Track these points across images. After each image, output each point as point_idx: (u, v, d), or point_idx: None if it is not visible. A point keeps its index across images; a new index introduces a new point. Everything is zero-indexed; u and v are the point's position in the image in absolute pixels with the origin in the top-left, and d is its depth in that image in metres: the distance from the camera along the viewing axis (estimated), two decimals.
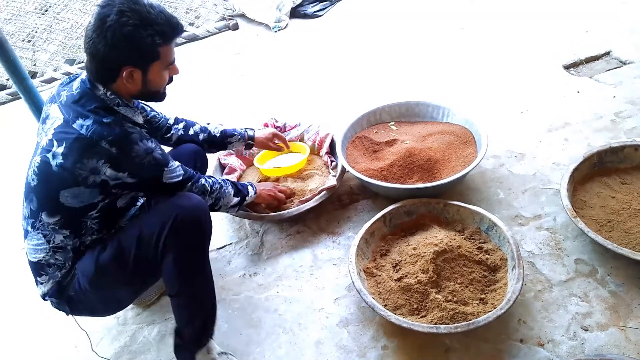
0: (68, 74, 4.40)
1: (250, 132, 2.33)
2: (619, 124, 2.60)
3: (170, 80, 1.66)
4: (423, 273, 1.82)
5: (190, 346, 1.71)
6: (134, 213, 1.79)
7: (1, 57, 2.34)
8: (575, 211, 1.94)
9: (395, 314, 1.73)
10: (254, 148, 2.53)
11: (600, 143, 2.39)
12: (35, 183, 1.54)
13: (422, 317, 1.73)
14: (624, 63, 3.10)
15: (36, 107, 2.51)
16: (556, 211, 2.16)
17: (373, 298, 1.76)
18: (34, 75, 4.35)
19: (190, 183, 1.70)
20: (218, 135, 2.20)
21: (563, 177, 2.09)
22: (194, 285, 1.65)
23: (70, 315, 1.73)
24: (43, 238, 1.57)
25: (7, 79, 4.26)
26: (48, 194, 1.52)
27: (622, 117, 2.64)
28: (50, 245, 1.58)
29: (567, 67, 3.18)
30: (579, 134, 2.58)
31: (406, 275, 1.85)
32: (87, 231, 1.60)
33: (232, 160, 2.60)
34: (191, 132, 2.13)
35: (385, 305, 1.77)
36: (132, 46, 1.44)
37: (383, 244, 2.06)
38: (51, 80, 4.37)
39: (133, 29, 1.41)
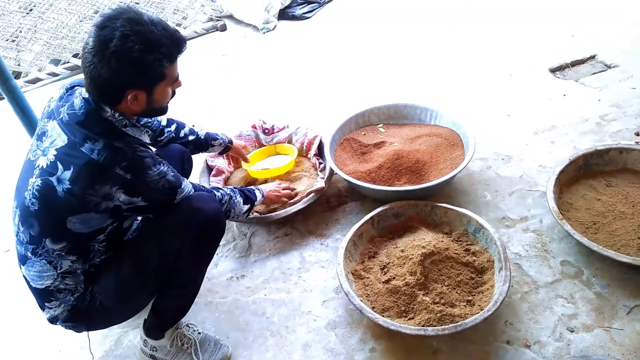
0: (53, 74, 4.35)
1: (229, 138, 2.36)
2: (604, 127, 2.62)
3: (174, 94, 1.59)
4: (411, 275, 1.82)
5: (165, 324, 1.76)
6: (137, 227, 1.77)
7: None
8: (561, 213, 1.96)
9: (383, 316, 1.72)
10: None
11: (586, 146, 2.42)
12: (36, 208, 1.43)
13: (409, 319, 1.73)
14: (609, 67, 3.14)
15: (20, 108, 2.47)
16: (542, 213, 2.17)
17: (361, 300, 1.76)
18: (18, 75, 4.29)
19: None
20: (203, 137, 2.21)
21: (549, 180, 2.11)
22: (196, 279, 1.71)
23: (82, 332, 1.72)
24: (48, 264, 1.48)
25: None
26: (53, 220, 1.43)
27: (607, 120, 2.67)
28: (58, 272, 1.50)
29: (553, 71, 3.21)
30: (565, 137, 2.60)
31: (394, 278, 1.85)
32: (95, 254, 1.55)
33: (220, 162, 2.59)
34: (181, 134, 2.13)
35: (373, 308, 1.77)
36: (139, 72, 1.38)
37: (371, 246, 2.06)
38: (36, 80, 4.31)
39: (139, 55, 1.33)
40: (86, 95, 1.44)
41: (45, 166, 1.41)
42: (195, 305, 2.01)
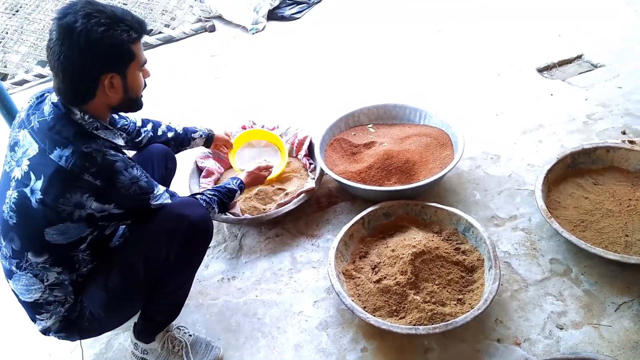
0: (40, 75, 4.31)
1: (209, 129, 2.28)
2: (591, 125, 2.65)
3: (145, 85, 1.54)
4: (402, 274, 1.82)
5: (156, 331, 1.76)
6: (122, 232, 1.74)
7: None
8: (549, 212, 1.97)
9: (374, 315, 1.73)
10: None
11: (573, 145, 2.44)
12: (14, 221, 1.40)
13: (401, 318, 1.74)
14: (595, 66, 3.17)
15: (7, 110, 2.44)
16: (531, 212, 2.19)
17: (352, 300, 1.76)
18: (4, 77, 4.24)
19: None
20: (182, 132, 2.14)
21: (537, 178, 2.13)
22: (184, 284, 1.70)
23: (76, 341, 1.71)
24: (34, 278, 1.45)
25: None
26: (31, 233, 1.40)
27: (594, 119, 2.70)
28: (45, 284, 1.47)
29: (540, 70, 3.24)
30: (553, 136, 2.63)
31: (385, 277, 1.86)
32: (81, 264, 1.52)
33: (210, 164, 2.58)
34: (159, 132, 2.06)
35: (364, 307, 1.77)
36: (108, 47, 1.33)
37: (362, 246, 2.07)
38: (22, 82, 4.27)
39: (106, 29, 1.30)
40: (55, 100, 1.40)
41: (20, 177, 1.37)
42: (186, 307, 2.00)
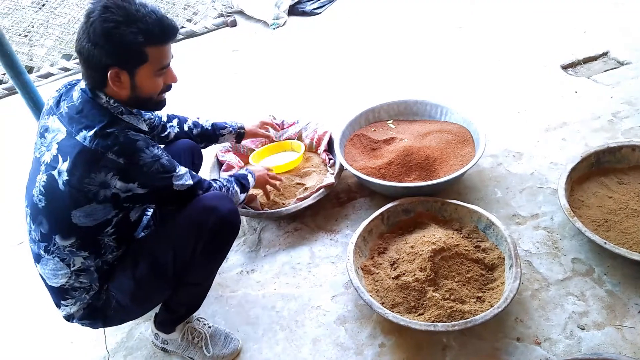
0: (65, 69, 4.38)
1: (240, 124, 2.28)
2: (617, 124, 2.60)
3: (168, 87, 1.55)
4: (421, 271, 1.82)
5: (177, 322, 1.78)
6: (147, 224, 1.77)
7: None
8: (572, 210, 1.94)
9: (392, 311, 1.73)
10: (248, 145, 2.55)
11: (598, 143, 2.40)
12: (43, 204, 1.43)
13: (419, 315, 1.74)
14: (622, 64, 3.11)
15: (33, 102, 2.50)
16: (553, 210, 2.16)
17: (370, 296, 1.76)
18: (30, 70, 4.32)
19: (200, 190, 1.62)
20: (210, 128, 2.16)
21: (560, 177, 2.10)
22: (209, 276, 1.71)
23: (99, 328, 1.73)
24: (61, 262, 1.48)
25: (4, 74, 4.24)
26: (59, 216, 1.42)
27: (619, 117, 2.65)
28: (72, 270, 1.50)
29: (565, 67, 3.19)
30: (577, 134, 2.59)
31: (404, 273, 1.85)
32: (107, 249, 1.54)
33: (230, 157, 2.60)
34: (185, 128, 2.09)
35: (382, 303, 1.77)
36: (113, 44, 1.33)
37: (381, 242, 2.06)
38: (48, 75, 4.35)
39: (114, 25, 1.32)
40: (83, 86, 1.46)
41: (49, 161, 1.41)
42: (205, 299, 2.02)
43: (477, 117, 2.46)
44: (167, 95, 1.59)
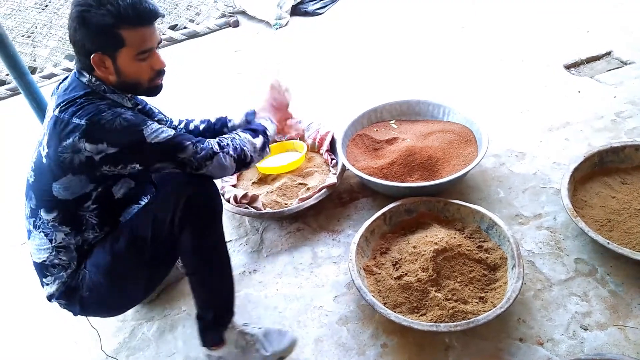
0: (68, 69, 4.40)
1: (249, 110, 2.06)
2: (620, 124, 2.60)
3: (160, 73, 1.53)
4: (423, 271, 1.81)
5: (214, 326, 1.70)
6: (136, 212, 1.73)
7: (1, 53, 2.33)
8: (575, 211, 1.94)
9: (394, 312, 1.72)
10: None
11: (601, 143, 2.39)
12: (32, 179, 1.52)
13: (421, 315, 1.73)
14: (625, 63, 3.10)
15: (36, 102, 2.50)
16: (556, 210, 2.16)
17: (373, 296, 1.76)
18: (33, 70, 4.33)
19: (187, 140, 1.50)
20: (214, 122, 2.06)
21: (563, 177, 2.09)
22: (211, 262, 1.63)
23: (78, 315, 1.72)
24: (45, 237, 1.54)
25: (7, 75, 4.25)
26: (43, 189, 1.49)
27: (622, 117, 2.64)
28: (53, 245, 1.54)
29: (568, 67, 3.18)
30: (580, 134, 2.58)
31: (406, 274, 1.85)
32: (88, 226, 1.55)
33: None
34: (191, 127, 2.03)
35: (385, 303, 1.77)
36: (87, 28, 1.37)
37: (383, 242, 2.06)
38: (51, 75, 4.36)
39: (86, 9, 1.35)
40: (75, 69, 1.52)
41: (40, 139, 1.49)
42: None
43: (480, 117, 2.45)
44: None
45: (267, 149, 1.73)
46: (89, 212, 1.54)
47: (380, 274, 1.90)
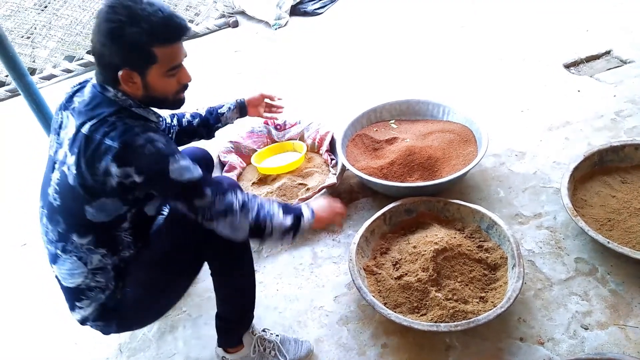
0: (68, 70, 4.39)
1: (238, 99, 2.11)
2: (620, 123, 2.60)
3: (184, 87, 1.50)
4: (423, 271, 1.81)
5: (236, 327, 1.70)
6: (161, 224, 1.67)
7: (0, 54, 2.33)
8: (575, 210, 1.94)
9: (395, 312, 1.72)
10: (250, 146, 2.55)
11: (601, 142, 2.39)
12: (58, 203, 1.40)
13: (422, 315, 1.73)
14: (625, 62, 3.10)
15: (35, 104, 2.50)
16: (556, 210, 2.16)
17: (373, 296, 1.76)
18: (33, 71, 4.33)
19: (210, 189, 1.40)
20: (205, 114, 2.03)
21: (563, 176, 2.09)
22: (240, 262, 1.60)
23: (111, 334, 1.66)
24: (79, 261, 1.44)
25: (6, 76, 4.25)
26: (73, 213, 1.39)
27: (622, 116, 2.64)
28: (89, 268, 1.45)
29: (567, 66, 3.18)
30: (580, 133, 2.58)
31: (406, 274, 1.85)
32: (124, 246, 1.49)
33: (232, 158, 2.60)
34: (184, 123, 1.97)
35: (385, 304, 1.77)
36: (118, 45, 1.31)
37: (383, 242, 2.06)
38: (50, 76, 4.36)
39: (117, 26, 1.28)
40: (94, 81, 1.43)
41: (62, 157, 1.39)
42: (208, 301, 2.03)
43: (480, 117, 2.45)
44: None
45: (291, 238, 1.54)
46: (124, 231, 1.48)
47: (380, 274, 1.90)
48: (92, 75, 1.52)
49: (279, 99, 2.22)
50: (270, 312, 1.96)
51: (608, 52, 3.22)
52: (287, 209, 1.52)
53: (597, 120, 2.64)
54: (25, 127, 3.44)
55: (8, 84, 4.30)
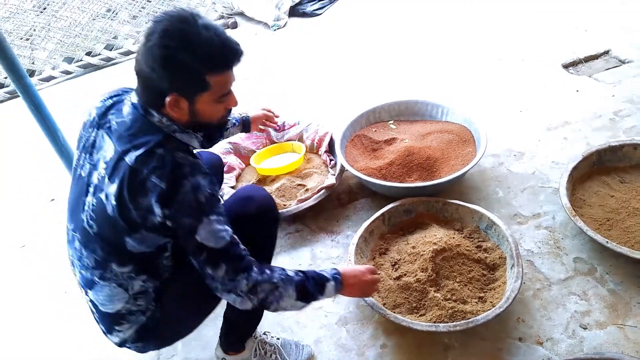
0: (66, 72, 4.39)
1: (243, 114, 2.15)
2: (618, 122, 2.60)
3: (230, 112, 1.44)
4: (422, 272, 1.82)
5: (242, 329, 1.70)
6: None
7: None
8: (574, 210, 1.94)
9: (394, 312, 1.73)
10: (249, 147, 2.54)
11: (599, 142, 2.39)
12: (95, 230, 1.33)
13: (421, 315, 1.73)
14: (623, 62, 3.10)
15: (34, 105, 2.49)
16: (555, 210, 2.16)
17: (372, 296, 1.76)
18: (32, 73, 4.33)
19: (225, 265, 1.29)
20: None
21: (562, 176, 2.09)
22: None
23: (146, 352, 1.62)
24: (119, 287, 1.38)
25: (5, 78, 4.25)
26: (113, 243, 1.33)
27: (621, 116, 2.64)
28: (130, 294, 1.40)
29: (566, 66, 3.18)
30: (578, 133, 2.58)
31: (405, 274, 1.85)
32: (164, 270, 1.44)
33: (231, 159, 2.60)
34: None
35: (384, 304, 1.77)
36: (171, 71, 1.23)
37: (382, 242, 2.06)
38: (49, 78, 4.36)
39: (172, 52, 1.20)
40: (135, 100, 1.34)
41: (97, 182, 1.31)
42: None
43: (478, 117, 2.46)
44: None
45: (299, 307, 1.45)
46: (166, 259, 1.42)
47: (379, 274, 1.90)
48: (122, 86, 1.45)
49: (276, 116, 2.35)
50: (270, 313, 1.96)
51: (607, 52, 3.22)
52: (304, 294, 1.40)
53: (596, 120, 2.64)
54: (24, 128, 3.44)
55: (7, 86, 4.31)
